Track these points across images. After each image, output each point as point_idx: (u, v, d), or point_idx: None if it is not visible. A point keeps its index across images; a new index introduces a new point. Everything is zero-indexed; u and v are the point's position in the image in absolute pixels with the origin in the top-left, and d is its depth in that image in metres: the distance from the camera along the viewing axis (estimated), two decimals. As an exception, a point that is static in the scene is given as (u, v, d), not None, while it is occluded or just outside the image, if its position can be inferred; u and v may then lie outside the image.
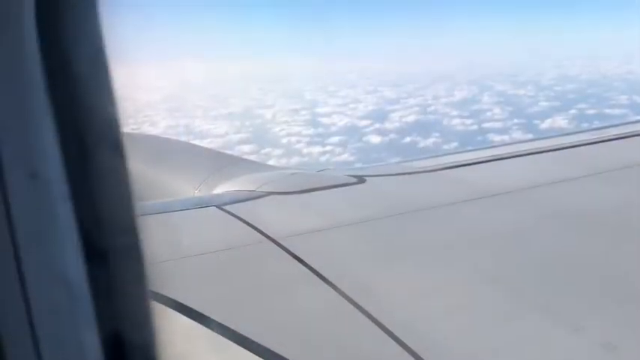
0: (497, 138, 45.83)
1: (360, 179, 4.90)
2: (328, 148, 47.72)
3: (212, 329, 2.75)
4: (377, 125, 53.10)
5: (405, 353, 2.57)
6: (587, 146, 5.83)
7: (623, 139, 5.98)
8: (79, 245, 0.80)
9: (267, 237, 3.68)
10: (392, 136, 50.40)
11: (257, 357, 2.57)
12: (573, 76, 73.71)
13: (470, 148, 8.02)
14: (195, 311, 2.83)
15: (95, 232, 0.81)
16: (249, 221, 3.94)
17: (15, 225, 0.76)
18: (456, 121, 53.61)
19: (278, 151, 46.37)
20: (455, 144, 44.34)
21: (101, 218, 0.82)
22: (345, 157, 45.23)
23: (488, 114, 54.71)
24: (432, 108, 58.91)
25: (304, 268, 3.29)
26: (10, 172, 0.75)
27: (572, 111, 54.11)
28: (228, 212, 4.17)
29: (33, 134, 0.78)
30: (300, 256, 3.41)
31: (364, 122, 54.38)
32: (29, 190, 0.77)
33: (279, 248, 3.54)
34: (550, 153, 5.66)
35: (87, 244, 0.80)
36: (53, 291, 0.79)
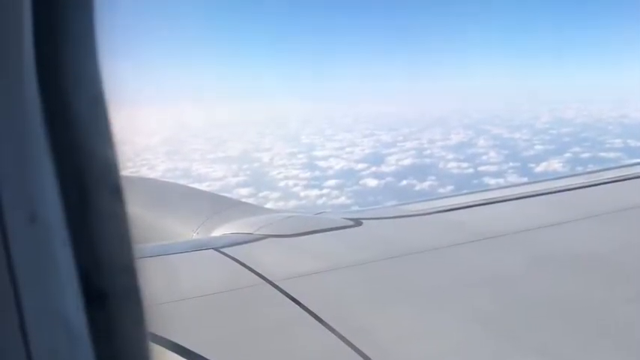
0: (492, 181, 46.00)
1: (357, 222, 4.91)
2: (325, 191, 47.83)
3: None
4: (373, 168, 53.36)
5: None
6: (581, 189, 5.85)
7: (617, 182, 6.01)
8: (79, 288, 0.80)
9: (265, 279, 3.68)
10: (388, 179, 50.59)
11: None
12: (568, 120, 74.34)
13: (465, 191, 8.03)
14: (194, 353, 2.81)
15: (95, 275, 0.82)
16: (247, 264, 3.94)
17: (15, 268, 0.76)
18: (452, 164, 53.92)
19: (275, 195, 46.44)
20: (451, 187, 44.52)
21: (100, 261, 0.82)
22: (341, 200, 45.30)
23: (484, 157, 55.03)
24: (428, 151, 59.26)
25: (302, 310, 3.28)
26: (10, 215, 0.76)
27: (567, 154, 54.46)
28: (226, 255, 4.17)
29: (32, 177, 0.78)
30: (297, 299, 3.40)
31: (361, 165, 54.65)
32: (29, 233, 0.77)
33: (277, 290, 3.53)
34: (545, 196, 5.68)
35: (86, 287, 0.80)
36: (53, 333, 0.79)
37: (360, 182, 50.46)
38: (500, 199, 5.69)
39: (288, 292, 3.49)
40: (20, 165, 0.77)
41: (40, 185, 0.78)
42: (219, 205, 5.96)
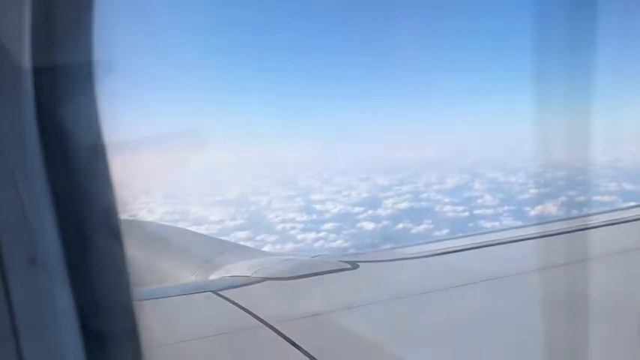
0: (488, 224, 45.78)
1: (354, 265, 4.91)
2: (322, 234, 47.49)
3: None
4: (370, 212, 53.09)
5: None
6: (577, 232, 5.86)
7: (612, 226, 6.02)
8: (78, 329, 0.81)
9: (263, 322, 3.67)
10: (385, 222, 50.36)
11: None
12: (563, 163, 74.38)
13: (461, 234, 8.03)
14: None
15: (93, 317, 0.82)
16: (245, 306, 3.94)
17: (14, 309, 0.76)
18: (448, 207, 53.68)
19: (273, 238, 46.14)
20: (446, 230, 44.24)
21: (99, 303, 0.83)
22: (338, 243, 44.95)
23: (480, 201, 54.85)
24: (424, 195, 59.10)
25: (299, 352, 3.27)
26: (10, 258, 0.77)
27: (562, 198, 54.34)
28: (225, 297, 4.17)
29: (32, 220, 0.79)
30: (295, 341, 3.38)
31: (357, 209, 54.42)
32: (28, 275, 0.78)
33: (275, 333, 3.52)
34: (540, 239, 5.68)
35: (85, 329, 0.81)
36: None
37: (357, 225, 50.18)
38: (496, 242, 5.70)
39: (285, 334, 3.48)
40: (20, 208, 0.78)
41: (39, 228, 0.79)
42: (217, 248, 5.96)
